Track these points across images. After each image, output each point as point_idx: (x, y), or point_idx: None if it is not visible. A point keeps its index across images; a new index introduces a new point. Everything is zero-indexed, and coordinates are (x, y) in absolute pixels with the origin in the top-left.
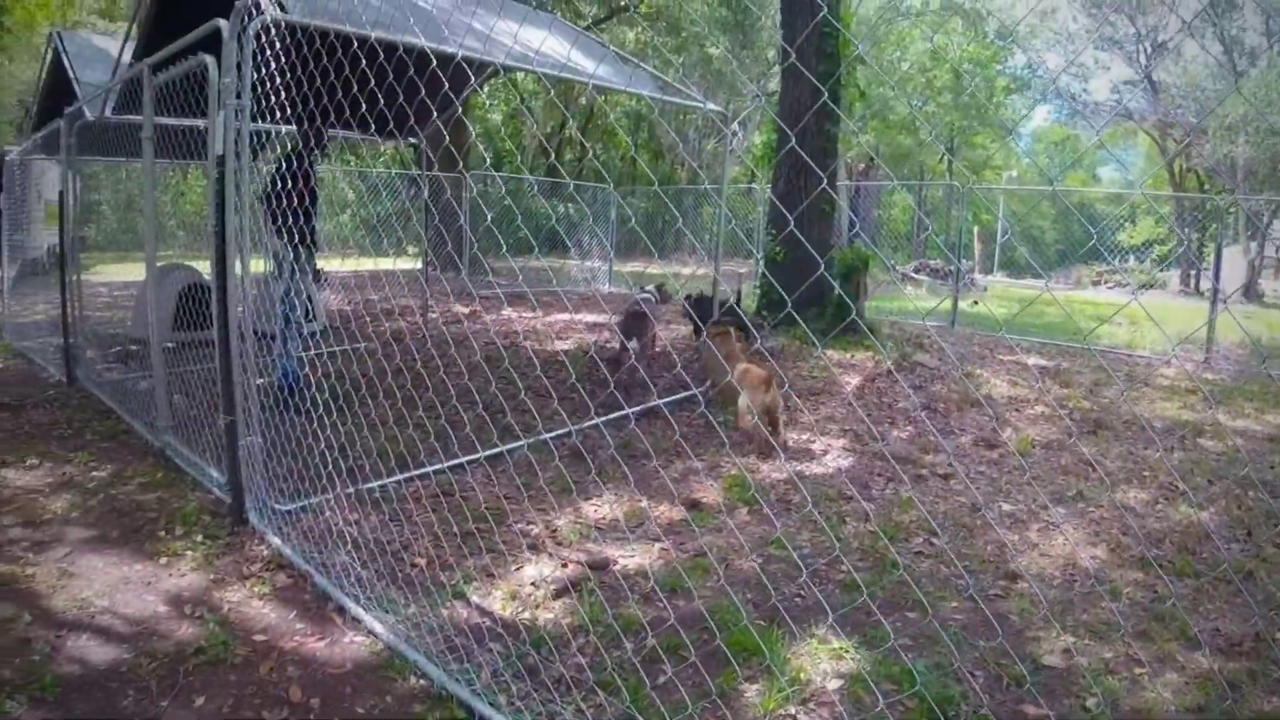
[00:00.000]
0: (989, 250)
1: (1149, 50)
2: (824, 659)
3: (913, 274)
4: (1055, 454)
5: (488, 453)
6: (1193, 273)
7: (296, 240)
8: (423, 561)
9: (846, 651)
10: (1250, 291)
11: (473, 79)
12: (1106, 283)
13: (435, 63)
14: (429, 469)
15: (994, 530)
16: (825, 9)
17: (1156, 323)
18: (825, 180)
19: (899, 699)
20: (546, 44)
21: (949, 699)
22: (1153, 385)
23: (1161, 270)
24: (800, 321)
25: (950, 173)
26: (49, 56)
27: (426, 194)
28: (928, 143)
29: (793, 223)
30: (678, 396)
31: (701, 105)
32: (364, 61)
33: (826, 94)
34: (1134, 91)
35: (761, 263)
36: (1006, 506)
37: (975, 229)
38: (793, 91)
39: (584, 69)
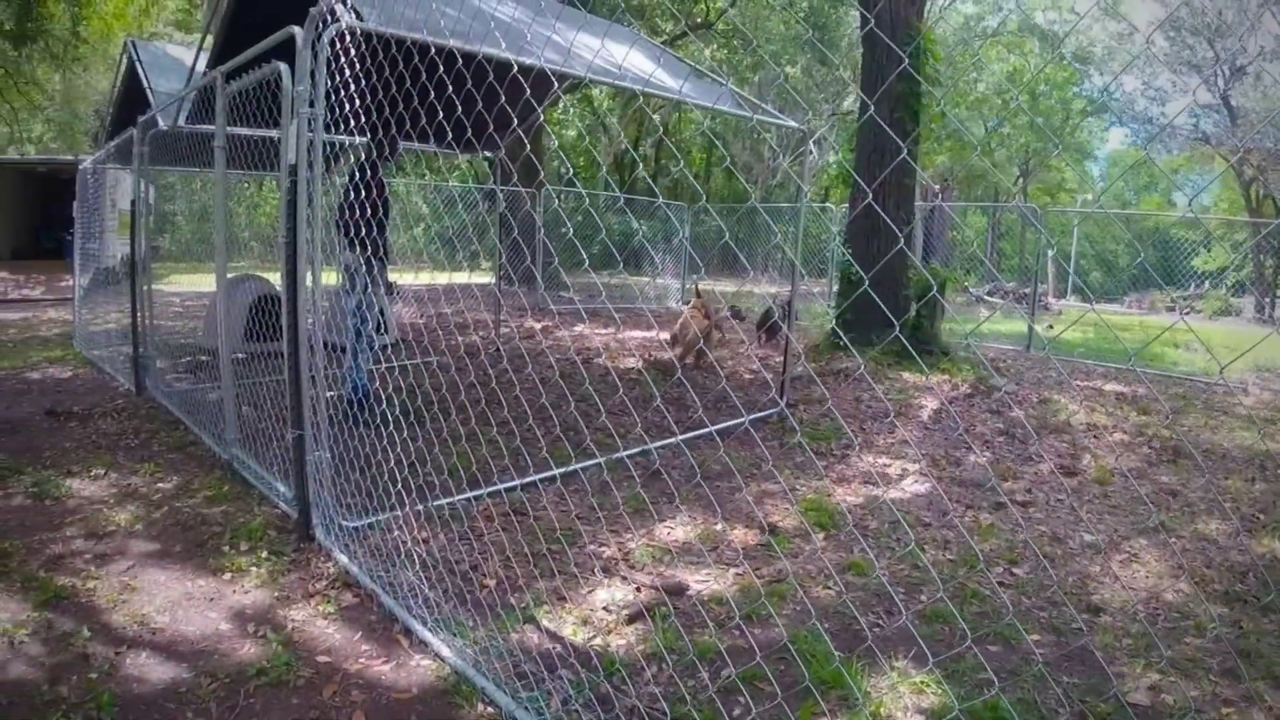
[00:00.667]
0: (1061, 273)
1: (1227, 74)
2: (906, 693)
3: (986, 296)
4: (1135, 482)
5: (561, 471)
6: (1267, 300)
7: (368, 252)
8: (492, 583)
9: (928, 685)
10: None
11: (555, 88)
12: (1181, 308)
13: (515, 72)
14: (499, 486)
15: (1075, 561)
16: (927, 19)
17: None
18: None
19: None
20: (628, 59)
21: None
22: (1231, 413)
23: (1236, 297)
24: (902, 342)
25: (1025, 195)
26: (123, 66)
27: (502, 208)
28: (1003, 164)
29: (901, 241)
30: (754, 416)
31: (782, 122)
32: (440, 71)
33: (912, 111)
34: (1210, 115)
35: (837, 281)
36: (1087, 536)
37: (1050, 252)
38: (869, 109)
39: (667, 84)
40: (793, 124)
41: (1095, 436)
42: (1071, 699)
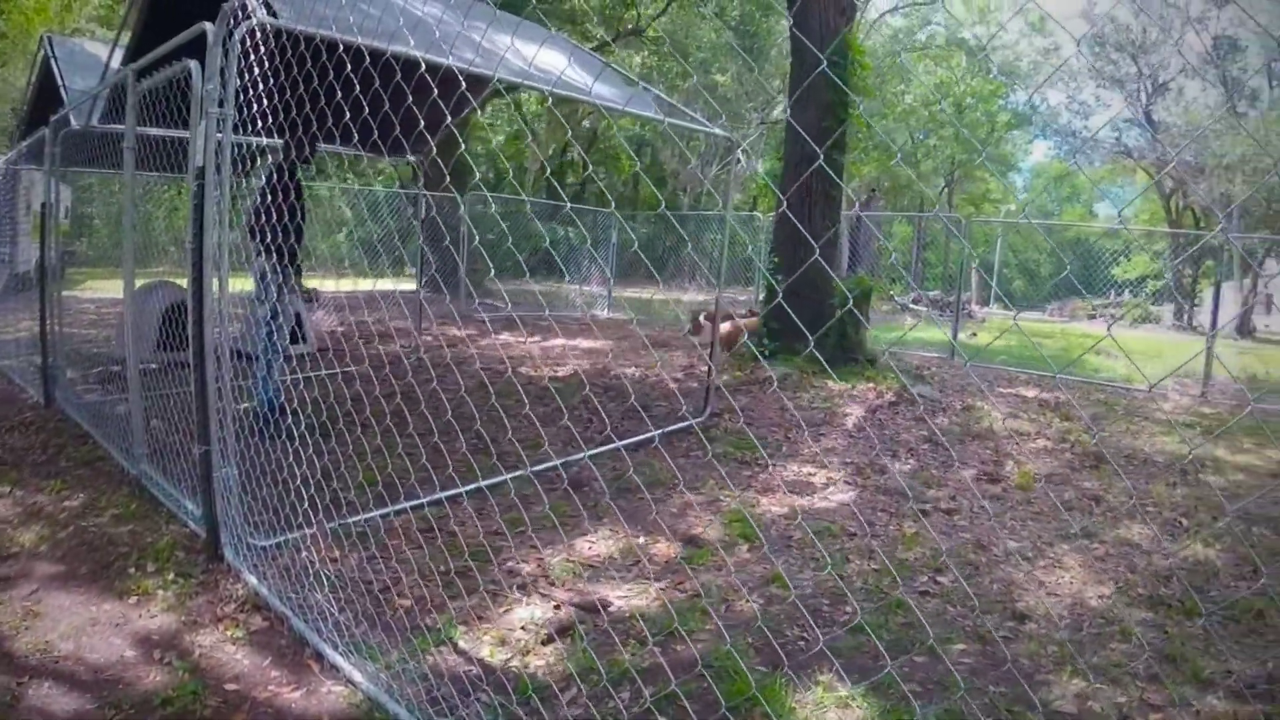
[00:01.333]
0: (985, 282)
1: (1150, 89)
2: (830, 707)
3: (911, 304)
4: (1058, 488)
5: (479, 484)
6: (1186, 308)
7: (282, 258)
8: (406, 603)
9: (853, 699)
10: (1243, 328)
11: (471, 97)
12: (1102, 315)
13: (431, 75)
14: (407, 505)
15: (1000, 568)
16: (861, 24)
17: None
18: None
19: None
20: (550, 62)
21: None
22: (1151, 419)
23: (1155, 305)
24: (827, 351)
25: (950, 205)
26: (39, 62)
27: (423, 214)
28: (928, 176)
29: (817, 251)
30: (677, 426)
31: (705, 129)
32: (356, 71)
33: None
34: (1133, 129)
35: (763, 290)
36: (1012, 543)
37: (973, 263)
38: (800, 118)
39: (588, 89)
40: (717, 131)
41: (1018, 443)
42: (999, 709)
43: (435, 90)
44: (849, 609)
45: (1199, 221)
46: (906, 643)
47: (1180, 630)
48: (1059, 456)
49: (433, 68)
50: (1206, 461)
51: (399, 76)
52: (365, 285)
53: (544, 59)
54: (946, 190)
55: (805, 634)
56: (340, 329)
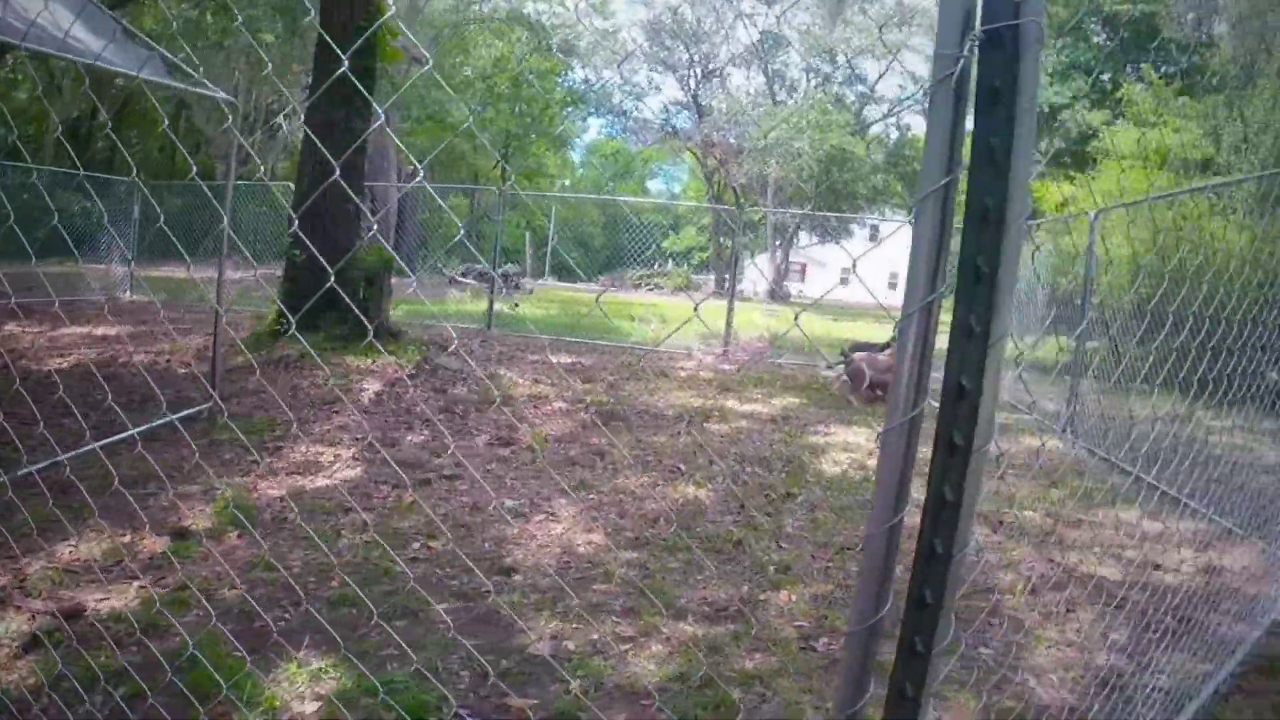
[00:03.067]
0: (540, 254)
1: (699, 76)
2: (302, 682)
3: (459, 278)
4: (567, 446)
5: None
6: (726, 276)
7: None
8: None
9: (326, 671)
10: (777, 293)
11: None
12: (648, 285)
13: None
14: None
15: (494, 527)
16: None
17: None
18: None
19: (378, 711)
20: (43, 15)
21: (424, 704)
22: (672, 377)
23: (697, 274)
24: (346, 327)
25: (504, 178)
26: None
27: None
28: (483, 147)
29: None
30: (182, 414)
31: (212, 92)
32: None
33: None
34: (682, 112)
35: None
36: (509, 502)
37: (527, 234)
38: (320, 84)
39: (84, 45)
40: (220, 95)
41: (536, 406)
42: (474, 660)
43: None
44: (335, 583)
45: (739, 198)
46: (389, 609)
47: (661, 565)
48: (574, 417)
49: None
50: (714, 412)
51: None
52: None
53: (44, 14)
54: (502, 164)
55: (287, 614)
56: None
